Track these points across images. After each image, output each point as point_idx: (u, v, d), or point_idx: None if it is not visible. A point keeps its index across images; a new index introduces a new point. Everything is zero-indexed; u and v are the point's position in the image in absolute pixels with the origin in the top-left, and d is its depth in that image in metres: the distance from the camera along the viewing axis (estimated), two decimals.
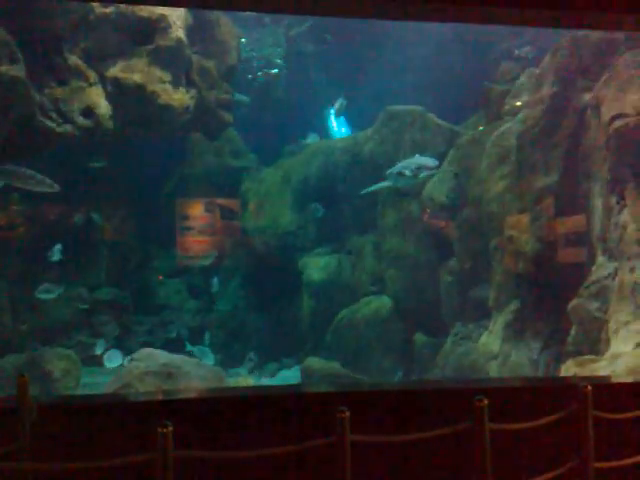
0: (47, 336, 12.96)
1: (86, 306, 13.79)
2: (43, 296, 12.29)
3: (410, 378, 13.33)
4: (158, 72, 12.38)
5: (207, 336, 14.85)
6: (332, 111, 17.65)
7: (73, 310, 13.73)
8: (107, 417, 4.49)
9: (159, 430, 3.53)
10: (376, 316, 14.04)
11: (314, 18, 16.67)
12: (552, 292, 10.92)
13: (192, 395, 6.03)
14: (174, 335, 14.80)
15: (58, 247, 12.59)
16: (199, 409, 4.69)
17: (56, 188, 11.08)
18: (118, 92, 12.04)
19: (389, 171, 11.88)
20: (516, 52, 14.70)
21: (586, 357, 9.24)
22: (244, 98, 17.00)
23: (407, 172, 10.99)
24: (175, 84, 12.70)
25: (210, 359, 13.77)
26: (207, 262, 14.96)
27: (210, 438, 4.44)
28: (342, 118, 17.92)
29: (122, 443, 4.18)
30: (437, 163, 12.38)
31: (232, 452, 4.12)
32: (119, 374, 10.53)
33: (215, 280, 14.97)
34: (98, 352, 13.24)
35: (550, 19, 5.71)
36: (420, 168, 11.32)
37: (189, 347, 14.38)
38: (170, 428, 3.54)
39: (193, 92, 13.29)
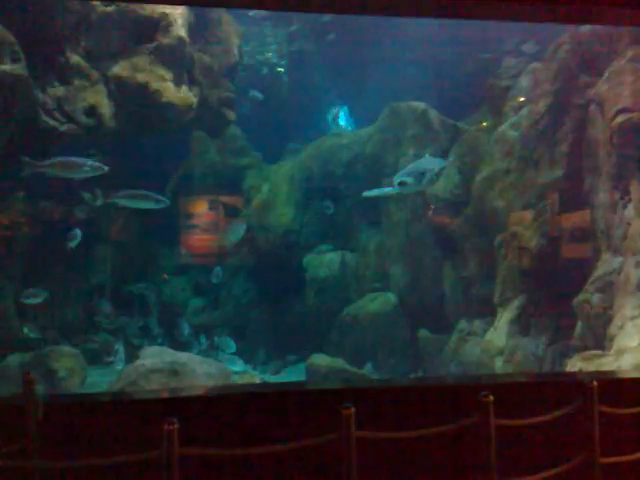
0: (53, 335, 12.97)
1: (109, 323, 13.57)
2: (28, 301, 11.98)
3: (415, 374, 13.31)
4: (160, 70, 12.37)
5: (205, 335, 14.70)
6: (330, 118, 17.68)
7: (79, 309, 13.73)
8: (112, 415, 4.50)
9: (164, 427, 3.53)
10: (380, 313, 14.02)
11: (317, 15, 16.64)
12: (557, 287, 10.90)
13: (197, 392, 6.04)
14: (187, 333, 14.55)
15: (77, 231, 12.36)
16: (204, 406, 4.69)
17: (167, 203, 11.55)
18: (120, 91, 12.04)
19: (394, 180, 11.64)
20: (520, 48, 14.65)
21: (592, 352, 9.22)
22: (257, 94, 17.02)
23: (409, 180, 10.85)
24: (177, 82, 12.69)
25: (240, 366, 13.58)
26: (238, 236, 14.56)
27: (215, 435, 4.45)
28: (339, 124, 17.97)
29: (127, 440, 4.19)
30: (445, 163, 12.16)
31: (237, 449, 4.13)
32: (125, 372, 10.55)
33: (218, 269, 14.82)
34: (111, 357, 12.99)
35: (552, 14, 5.69)
36: (424, 173, 11.11)
37: (220, 354, 14.05)
38: (175, 425, 3.54)
39: (196, 90, 13.28)
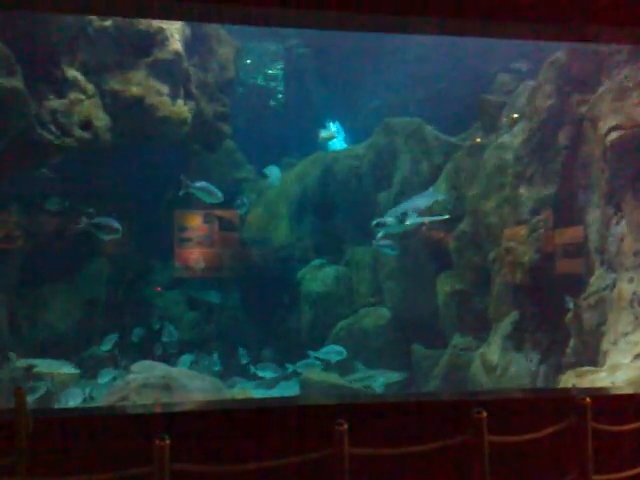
0: (47, 349, 12.87)
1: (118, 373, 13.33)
2: None
3: (409, 390, 13.27)
4: (156, 85, 12.42)
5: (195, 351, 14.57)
6: (325, 133, 17.77)
7: (73, 323, 13.62)
8: (104, 430, 4.47)
9: (156, 443, 3.51)
10: (375, 327, 14.00)
11: (313, 31, 16.73)
12: (551, 303, 10.91)
13: (190, 407, 6.00)
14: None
15: (115, 224, 11.98)
16: (197, 421, 4.66)
17: (221, 198, 12.61)
18: (116, 105, 12.08)
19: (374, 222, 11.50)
20: (514, 65, 14.76)
21: (585, 368, 9.21)
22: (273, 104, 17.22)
23: (389, 220, 10.87)
24: (173, 97, 12.74)
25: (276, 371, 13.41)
26: (276, 180, 14.89)
27: (208, 450, 4.41)
28: (335, 139, 18.08)
29: (119, 456, 4.15)
30: (437, 198, 12.09)
31: (230, 465, 4.10)
32: (116, 387, 10.48)
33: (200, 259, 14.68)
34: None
35: (546, 32, 5.74)
36: (406, 214, 11.02)
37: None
38: (167, 441, 3.52)
39: (191, 104, 13.32)
